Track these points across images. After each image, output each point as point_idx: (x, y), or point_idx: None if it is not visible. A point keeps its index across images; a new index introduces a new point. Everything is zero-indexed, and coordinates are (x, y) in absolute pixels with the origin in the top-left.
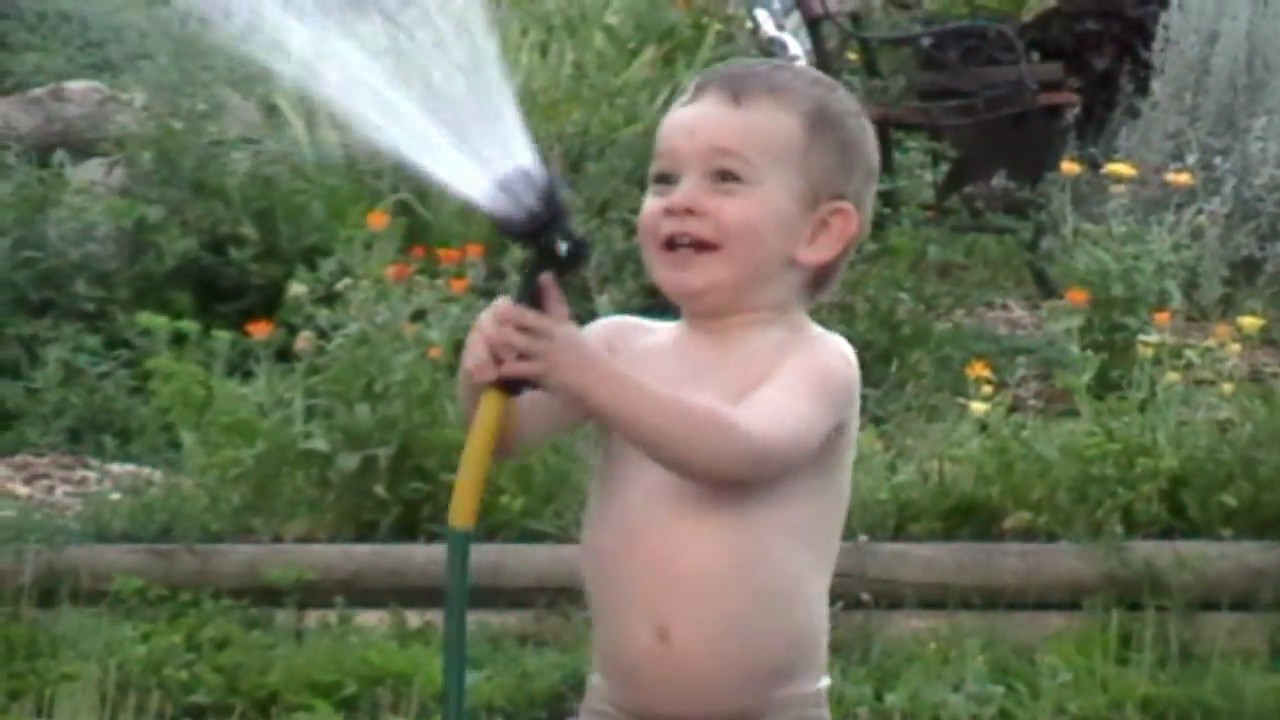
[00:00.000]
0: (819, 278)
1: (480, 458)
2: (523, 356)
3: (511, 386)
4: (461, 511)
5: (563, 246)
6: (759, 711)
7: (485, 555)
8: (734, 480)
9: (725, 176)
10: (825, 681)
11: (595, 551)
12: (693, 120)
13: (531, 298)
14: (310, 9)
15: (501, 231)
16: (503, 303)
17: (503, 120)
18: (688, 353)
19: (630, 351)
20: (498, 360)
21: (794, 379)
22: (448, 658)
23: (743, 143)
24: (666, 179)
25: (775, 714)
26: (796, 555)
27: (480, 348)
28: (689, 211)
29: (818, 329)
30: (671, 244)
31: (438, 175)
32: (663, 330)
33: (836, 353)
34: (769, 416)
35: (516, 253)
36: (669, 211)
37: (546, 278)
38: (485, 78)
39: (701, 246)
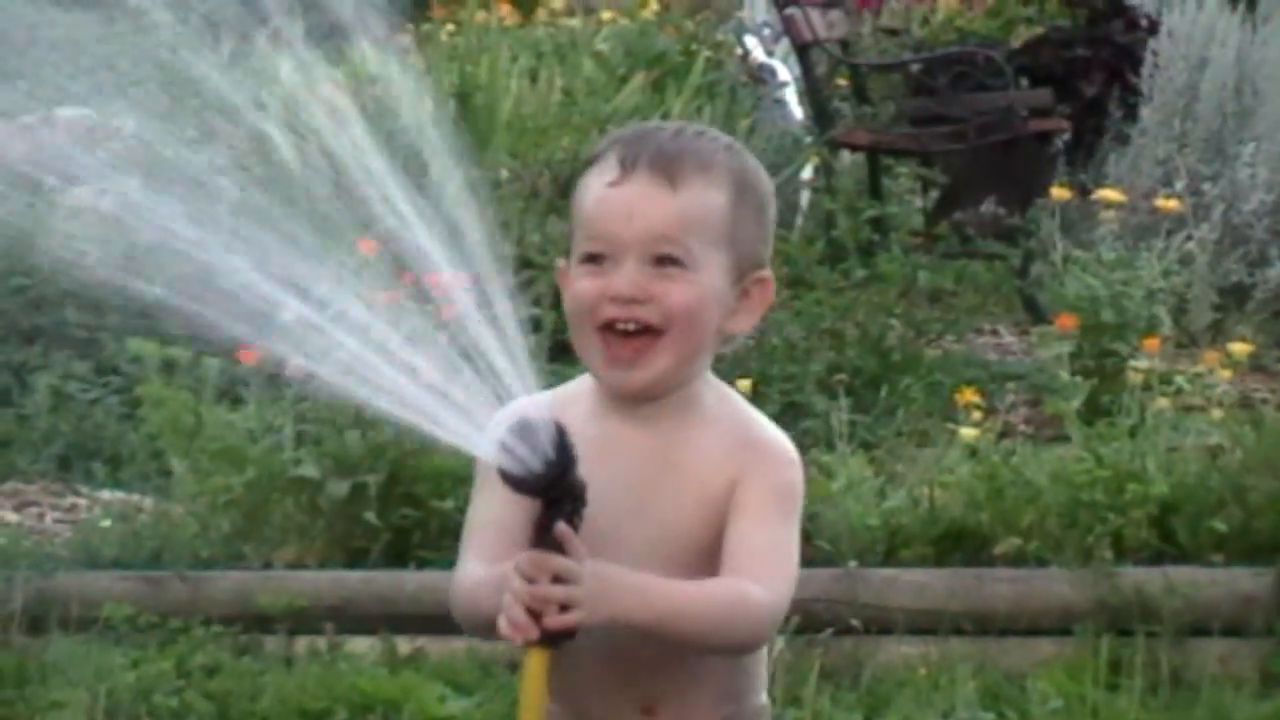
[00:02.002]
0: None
1: (538, 708)
2: (562, 607)
3: (555, 639)
4: None
5: (569, 501)
6: None
7: None
8: (760, 645)
9: (665, 261)
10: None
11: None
12: (630, 205)
13: (553, 545)
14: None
15: (510, 487)
16: (529, 557)
17: (511, 375)
18: (627, 457)
19: None
20: (535, 615)
21: (771, 514)
22: None
23: (682, 229)
24: (598, 259)
25: None
26: None
27: (517, 609)
28: (633, 300)
29: (740, 403)
30: (610, 327)
31: (439, 437)
32: (577, 405)
33: (789, 461)
34: (778, 574)
35: (506, 279)
36: (613, 299)
37: (562, 528)
38: (504, 333)
39: (646, 332)
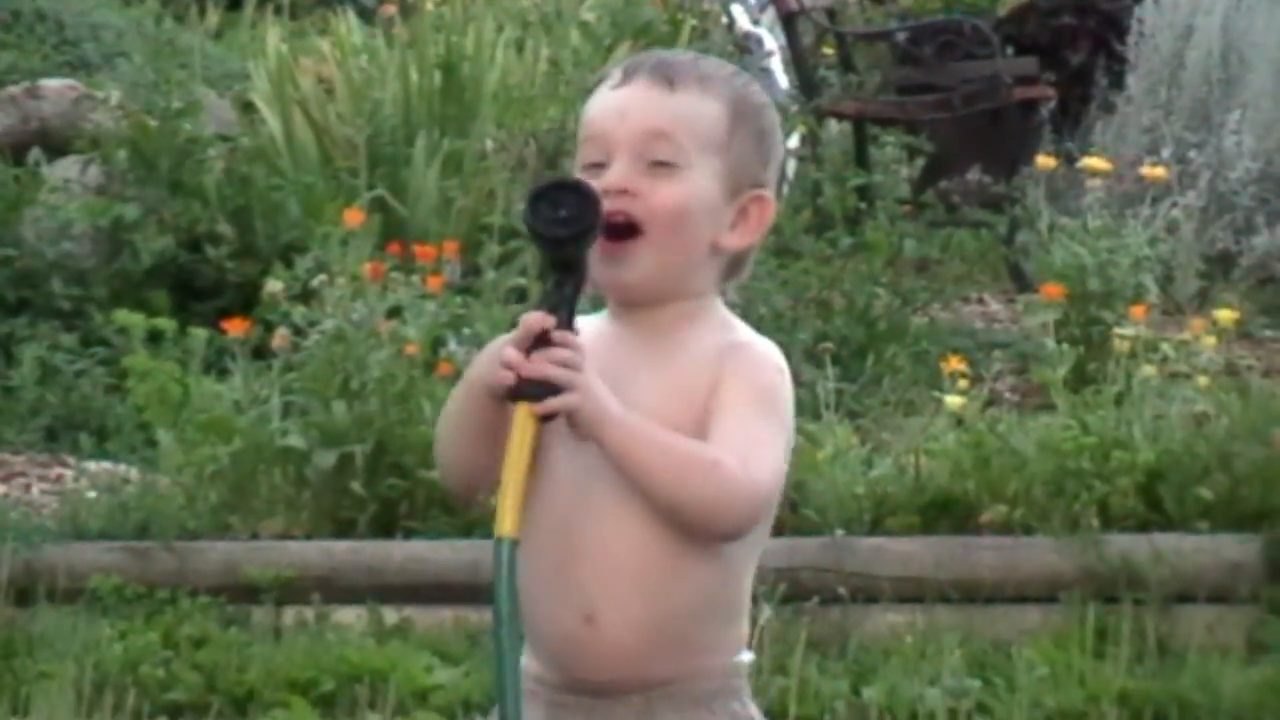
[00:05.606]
0: (734, 265)
1: (521, 468)
2: (553, 385)
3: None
4: (507, 520)
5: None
6: (683, 677)
7: (463, 553)
8: (730, 532)
9: (657, 165)
10: (747, 656)
11: (526, 536)
12: (624, 103)
13: (563, 320)
14: None
15: (535, 240)
16: (540, 317)
17: None
18: (617, 350)
19: None
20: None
21: (749, 410)
22: (498, 661)
23: (675, 126)
24: (596, 167)
25: (697, 680)
26: (731, 547)
27: (510, 350)
28: (623, 192)
29: (741, 326)
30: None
31: None
32: (586, 326)
33: (774, 367)
34: (753, 456)
35: (492, 250)
36: (604, 193)
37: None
38: None
39: (631, 229)
